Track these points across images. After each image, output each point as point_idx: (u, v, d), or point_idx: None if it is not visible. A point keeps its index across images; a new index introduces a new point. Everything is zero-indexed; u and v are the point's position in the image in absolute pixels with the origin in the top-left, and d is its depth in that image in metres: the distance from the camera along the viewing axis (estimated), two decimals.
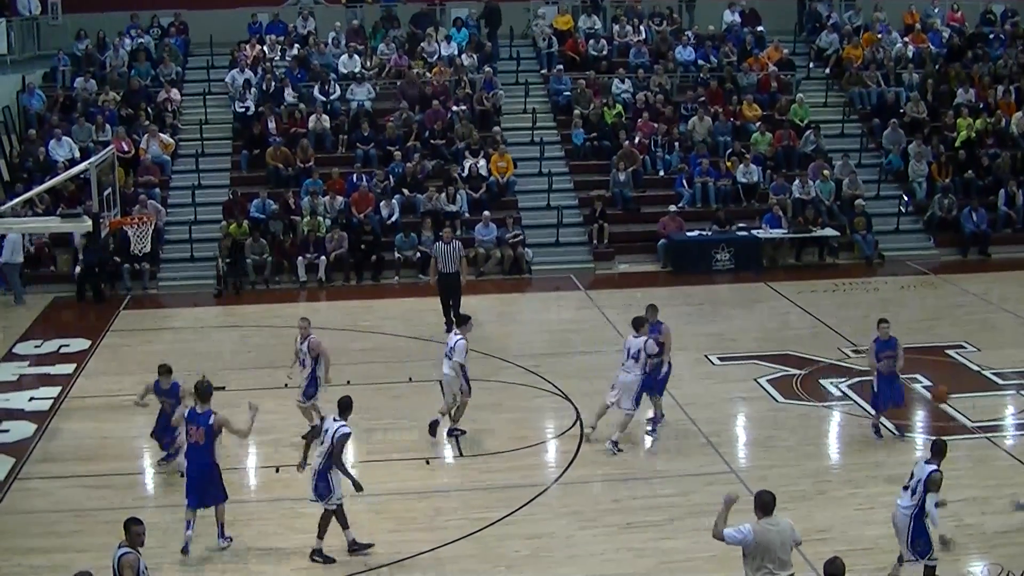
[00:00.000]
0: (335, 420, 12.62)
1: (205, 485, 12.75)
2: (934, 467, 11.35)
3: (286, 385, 17.99)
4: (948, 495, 13.31)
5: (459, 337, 15.78)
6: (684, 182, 27.26)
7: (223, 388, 17.34)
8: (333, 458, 12.34)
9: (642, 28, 32.33)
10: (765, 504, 10.08)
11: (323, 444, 12.48)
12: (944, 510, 13.03)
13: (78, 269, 23.98)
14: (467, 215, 26.26)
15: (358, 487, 12.61)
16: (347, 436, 12.48)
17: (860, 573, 11.31)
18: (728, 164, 27.61)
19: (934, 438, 12.81)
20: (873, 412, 15.79)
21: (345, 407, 12.74)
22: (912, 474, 11.46)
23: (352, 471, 12.83)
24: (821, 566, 11.17)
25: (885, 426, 15.80)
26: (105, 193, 17.48)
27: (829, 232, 26.21)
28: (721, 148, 28.22)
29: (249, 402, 12.97)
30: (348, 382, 17.88)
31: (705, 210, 26.81)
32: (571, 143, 28.71)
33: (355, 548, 12.50)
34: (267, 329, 19.81)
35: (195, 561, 12.47)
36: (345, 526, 12.50)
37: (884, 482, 14.16)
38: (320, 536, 12.44)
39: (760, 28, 32.83)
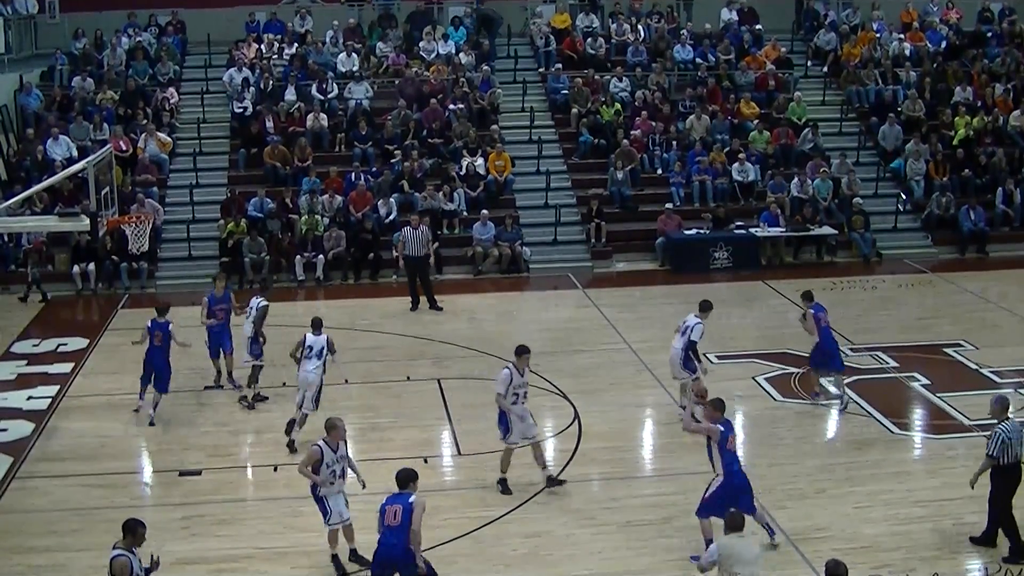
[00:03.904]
0: (256, 298, 17.36)
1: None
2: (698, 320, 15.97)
3: (284, 384, 18.03)
4: (947, 492, 13.36)
5: (697, 320, 16.22)
6: (674, 182, 27.27)
7: (221, 387, 17.41)
8: (256, 324, 16.99)
9: (640, 27, 32.35)
10: (736, 524, 10.36)
11: (250, 315, 17.16)
12: (943, 507, 13.10)
13: None
14: (465, 214, 26.28)
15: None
16: (266, 307, 17.16)
17: (859, 571, 11.28)
18: (717, 157, 27.52)
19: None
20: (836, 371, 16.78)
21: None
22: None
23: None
24: (820, 564, 11.21)
25: (883, 424, 15.85)
26: (103, 192, 17.44)
27: (827, 230, 26.23)
28: (719, 146, 28.20)
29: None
30: (346, 381, 17.91)
31: (703, 208, 26.83)
32: (569, 142, 28.73)
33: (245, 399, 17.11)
34: (265, 328, 19.75)
35: (192, 560, 12.46)
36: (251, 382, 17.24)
37: (882, 480, 14.20)
38: (250, 386, 17.19)
39: (758, 26, 32.83)
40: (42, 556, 12.59)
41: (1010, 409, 12.54)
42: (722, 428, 12.20)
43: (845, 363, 17.30)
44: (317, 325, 16.01)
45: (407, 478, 11.23)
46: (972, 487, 12.43)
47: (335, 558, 12.26)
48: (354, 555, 12.37)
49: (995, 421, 12.37)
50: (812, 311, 16.80)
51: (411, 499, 10.99)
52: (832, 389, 17.07)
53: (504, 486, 14.04)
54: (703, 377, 15.78)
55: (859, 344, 19.71)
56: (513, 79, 30.82)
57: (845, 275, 24.99)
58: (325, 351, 15.63)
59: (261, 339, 17.18)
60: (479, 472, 14.78)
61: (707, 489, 12.13)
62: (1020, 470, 12.26)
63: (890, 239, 26.82)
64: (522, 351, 14.23)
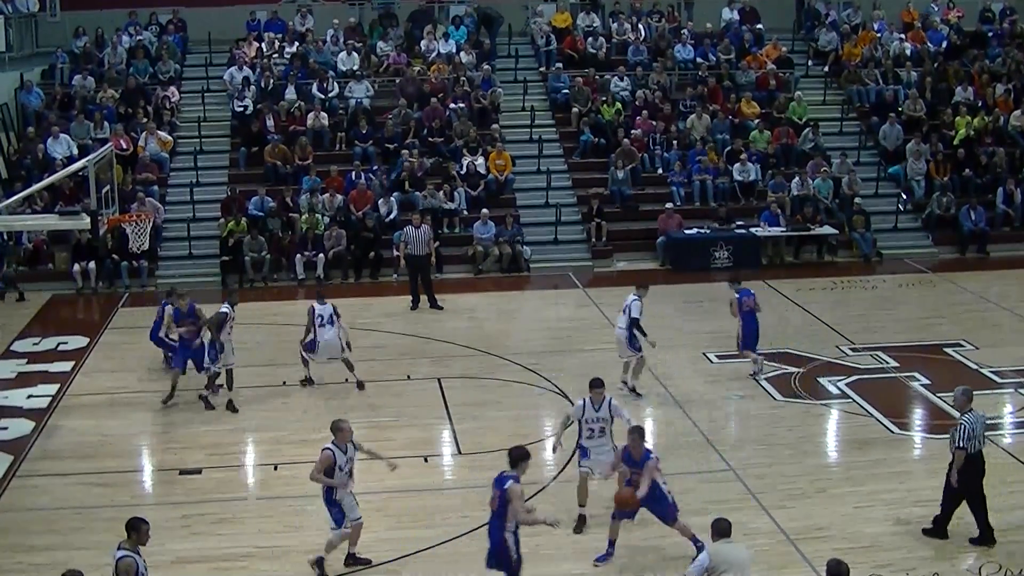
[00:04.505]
0: (225, 307, 17.13)
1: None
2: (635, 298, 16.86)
3: (284, 383, 18.05)
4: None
5: (635, 298, 17.05)
6: (675, 181, 27.28)
7: (221, 387, 17.39)
8: (212, 330, 16.88)
9: (640, 26, 32.35)
10: (723, 530, 10.36)
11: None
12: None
13: None
14: (466, 213, 26.28)
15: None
16: (224, 315, 16.88)
17: (859, 571, 11.28)
18: (711, 157, 27.54)
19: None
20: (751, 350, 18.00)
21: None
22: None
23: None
24: (820, 564, 11.21)
25: (884, 424, 15.88)
26: (103, 191, 17.46)
27: (827, 230, 26.22)
28: (719, 146, 28.22)
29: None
30: (347, 380, 17.94)
31: (704, 207, 26.84)
32: (570, 141, 28.73)
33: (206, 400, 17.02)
34: (266, 327, 19.79)
35: (192, 558, 12.46)
36: (228, 386, 17.13)
37: (883, 480, 14.19)
38: (208, 387, 17.09)
39: (759, 26, 32.82)
40: (43, 554, 12.57)
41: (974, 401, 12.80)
42: (655, 456, 12.22)
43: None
44: (320, 295, 18.02)
45: (519, 457, 11.14)
46: (954, 484, 12.55)
47: (320, 562, 12.04)
48: (352, 559, 12.28)
49: (961, 413, 12.61)
50: (737, 296, 17.99)
51: (507, 486, 10.91)
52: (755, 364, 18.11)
53: (580, 521, 13.16)
54: (647, 353, 17.04)
55: (859, 344, 19.71)
56: (514, 78, 30.82)
57: (845, 275, 25.00)
58: (334, 316, 17.41)
59: (218, 346, 16.92)
60: (479, 471, 14.73)
61: (667, 496, 12.10)
62: (983, 460, 12.53)
63: (891, 239, 26.81)
64: (594, 384, 13.24)
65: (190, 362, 17.42)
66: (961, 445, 12.33)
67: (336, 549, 12.14)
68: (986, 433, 12.90)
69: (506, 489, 10.88)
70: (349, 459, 12.04)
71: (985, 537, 12.50)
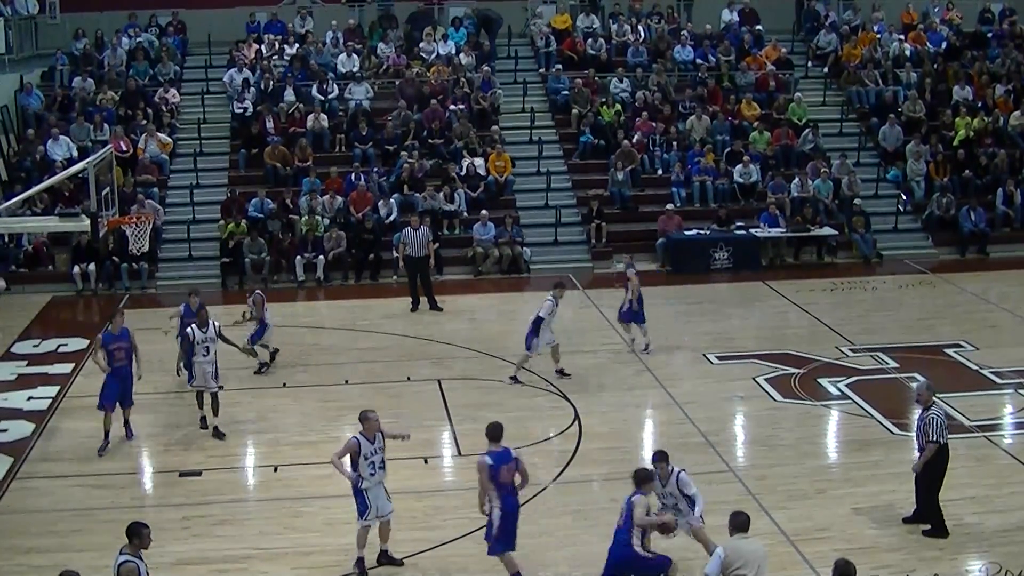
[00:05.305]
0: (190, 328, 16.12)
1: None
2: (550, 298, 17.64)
3: (284, 384, 18.06)
4: (947, 494, 13.33)
5: (548, 299, 17.87)
6: (674, 182, 27.29)
7: (222, 387, 17.36)
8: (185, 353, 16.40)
9: (640, 27, 32.35)
10: (741, 524, 10.36)
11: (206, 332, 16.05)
12: (943, 508, 13.02)
13: None
14: (465, 214, 26.28)
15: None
16: (186, 336, 16.02)
17: (860, 571, 11.25)
18: (709, 158, 27.56)
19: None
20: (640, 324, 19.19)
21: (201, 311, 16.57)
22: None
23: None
24: (821, 565, 11.24)
25: (884, 425, 15.88)
26: (103, 192, 17.42)
27: (827, 231, 26.22)
28: (719, 147, 28.22)
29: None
30: (346, 381, 17.95)
31: (704, 209, 26.84)
32: (569, 142, 28.74)
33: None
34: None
35: (192, 560, 12.46)
36: (213, 411, 16.10)
37: (883, 480, 14.18)
38: (214, 413, 16.00)
39: (758, 27, 32.84)
40: (43, 556, 12.56)
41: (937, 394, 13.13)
42: (491, 462, 11.69)
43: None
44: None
45: (641, 479, 11.30)
46: (916, 472, 12.80)
47: (360, 562, 11.98)
48: (384, 556, 12.24)
49: (926, 408, 12.76)
50: (633, 270, 19.38)
51: (632, 499, 11.09)
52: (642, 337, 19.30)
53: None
54: (531, 357, 17.76)
55: (859, 345, 19.69)
56: (513, 80, 30.82)
57: (845, 276, 24.98)
58: None
59: (193, 370, 16.03)
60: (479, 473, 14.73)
61: (491, 526, 11.75)
62: (948, 452, 12.73)
63: (891, 240, 26.80)
64: (656, 458, 12.03)
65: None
66: (934, 439, 12.55)
67: (366, 541, 12.05)
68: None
69: (632, 502, 11.05)
70: (377, 449, 11.89)
71: (921, 515, 12.82)
